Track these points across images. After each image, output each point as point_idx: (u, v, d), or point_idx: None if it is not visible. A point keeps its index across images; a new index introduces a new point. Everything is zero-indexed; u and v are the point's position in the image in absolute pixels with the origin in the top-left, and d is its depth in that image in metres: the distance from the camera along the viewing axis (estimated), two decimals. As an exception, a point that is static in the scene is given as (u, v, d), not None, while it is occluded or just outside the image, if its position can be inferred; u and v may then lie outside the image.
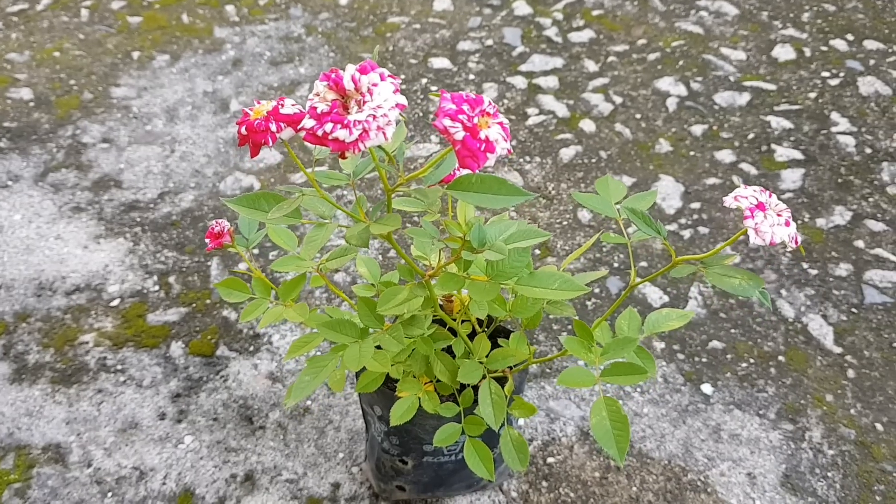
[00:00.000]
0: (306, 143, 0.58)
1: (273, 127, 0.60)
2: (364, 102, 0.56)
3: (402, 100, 0.56)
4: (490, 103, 0.58)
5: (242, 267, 1.26)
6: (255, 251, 1.29)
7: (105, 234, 1.33)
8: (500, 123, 0.58)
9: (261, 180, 1.41)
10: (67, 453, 1.04)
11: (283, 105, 0.61)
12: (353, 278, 1.24)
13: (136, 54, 1.72)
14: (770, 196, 0.62)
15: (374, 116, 0.55)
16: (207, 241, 0.75)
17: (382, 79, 0.56)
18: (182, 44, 1.75)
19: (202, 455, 1.03)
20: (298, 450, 1.03)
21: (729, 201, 0.62)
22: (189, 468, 1.01)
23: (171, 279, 1.25)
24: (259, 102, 0.62)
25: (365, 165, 0.69)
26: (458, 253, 0.69)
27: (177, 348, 1.16)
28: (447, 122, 0.56)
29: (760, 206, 0.61)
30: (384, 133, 0.55)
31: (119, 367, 1.14)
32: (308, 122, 0.56)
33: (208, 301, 1.22)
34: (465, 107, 0.57)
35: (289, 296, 0.76)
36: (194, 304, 1.21)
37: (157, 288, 1.24)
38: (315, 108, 0.56)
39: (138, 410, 1.08)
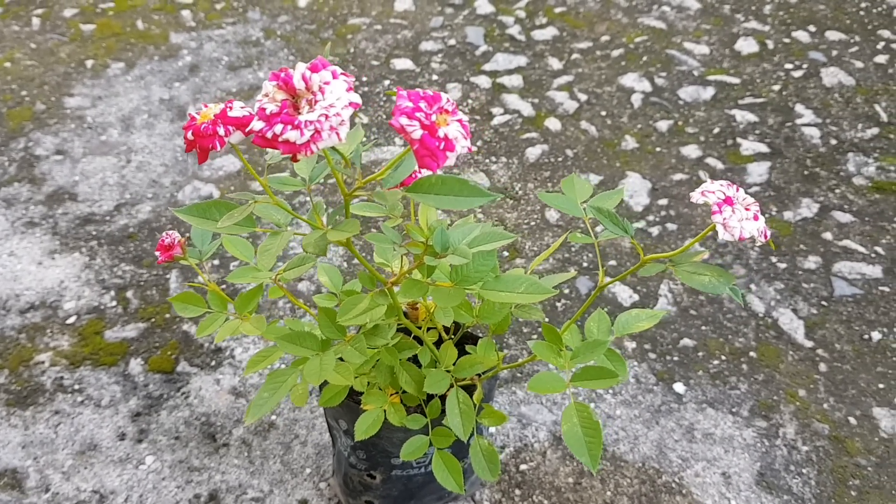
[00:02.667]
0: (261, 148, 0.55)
1: (221, 131, 0.57)
2: (316, 102, 0.53)
3: (356, 98, 0.53)
4: (448, 100, 0.56)
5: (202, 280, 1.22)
6: (216, 262, 1.25)
7: (60, 249, 1.29)
8: (460, 121, 0.56)
9: (220, 189, 1.38)
10: (24, 478, 0.99)
11: (231, 107, 0.58)
12: (317, 287, 1.21)
13: (89, 63, 1.67)
14: (738, 190, 0.61)
15: (327, 116, 0.52)
16: (157, 253, 0.72)
17: (335, 76, 0.54)
18: (137, 51, 1.70)
19: (164, 475, 0.99)
20: (264, 467, 1.00)
21: (696, 197, 0.60)
22: (151, 490, 0.98)
23: (129, 294, 1.21)
24: (207, 106, 0.59)
25: (322, 170, 0.66)
26: (420, 258, 0.66)
27: (136, 365, 1.12)
28: (404, 120, 0.54)
29: (728, 201, 0.59)
30: (338, 133, 0.52)
31: (76, 386, 1.09)
32: (257, 124, 0.53)
33: (168, 315, 1.18)
34: (423, 104, 0.54)
35: (245, 308, 0.73)
36: (153, 319, 1.17)
37: (114, 303, 1.20)
38: (264, 108, 0.53)
39: (97, 431, 1.04)
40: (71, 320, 1.18)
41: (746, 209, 0.59)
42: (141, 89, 1.60)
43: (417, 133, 0.53)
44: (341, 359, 0.72)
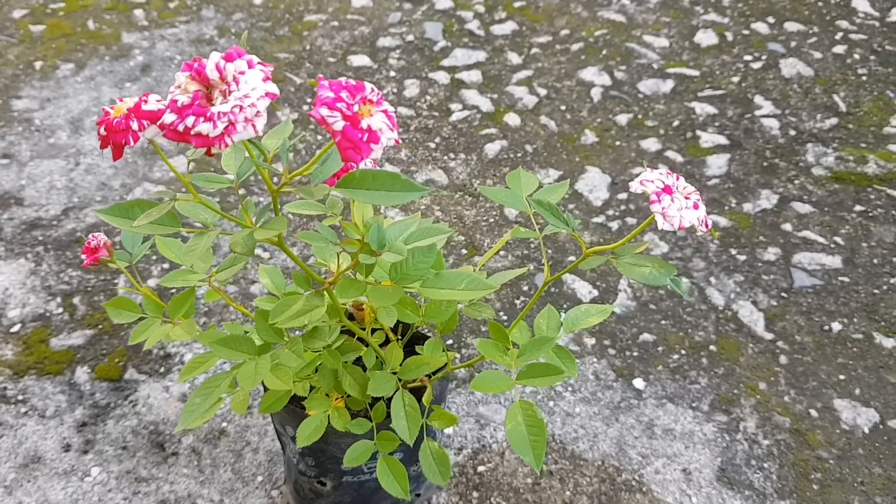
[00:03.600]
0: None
1: (135, 125, 0.54)
2: (230, 93, 0.50)
3: (273, 88, 0.50)
4: (373, 90, 0.53)
5: (151, 284, 1.19)
6: (165, 265, 1.21)
7: (5, 255, 1.24)
8: (385, 111, 0.53)
9: (171, 190, 1.34)
10: (-39, 494, 0.95)
11: (146, 101, 0.55)
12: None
13: (38, 64, 1.63)
14: (678, 179, 0.59)
15: (241, 107, 0.49)
16: (83, 256, 0.69)
17: (251, 66, 0.51)
18: (88, 51, 1.66)
19: (110, 487, 0.96)
20: (214, 475, 0.97)
21: (635, 186, 0.58)
22: (96, 502, 0.94)
23: (76, 300, 1.17)
24: (121, 100, 0.56)
25: (248, 167, 0.63)
26: (356, 256, 0.64)
27: (82, 374, 1.08)
28: (324, 111, 0.51)
29: (667, 190, 0.57)
30: (253, 125, 0.50)
31: (20, 397, 1.06)
32: (168, 117, 0.50)
33: (115, 322, 1.14)
34: (344, 94, 0.52)
35: (178, 312, 0.70)
36: (100, 326, 1.14)
37: (60, 310, 1.16)
38: (175, 101, 0.50)
39: (41, 443, 1.00)
40: (15, 328, 1.14)
41: (686, 198, 0.57)
42: (91, 90, 1.56)
43: (339, 125, 0.51)
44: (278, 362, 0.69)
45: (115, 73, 1.60)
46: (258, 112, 0.50)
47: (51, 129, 1.48)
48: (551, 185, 0.72)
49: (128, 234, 0.73)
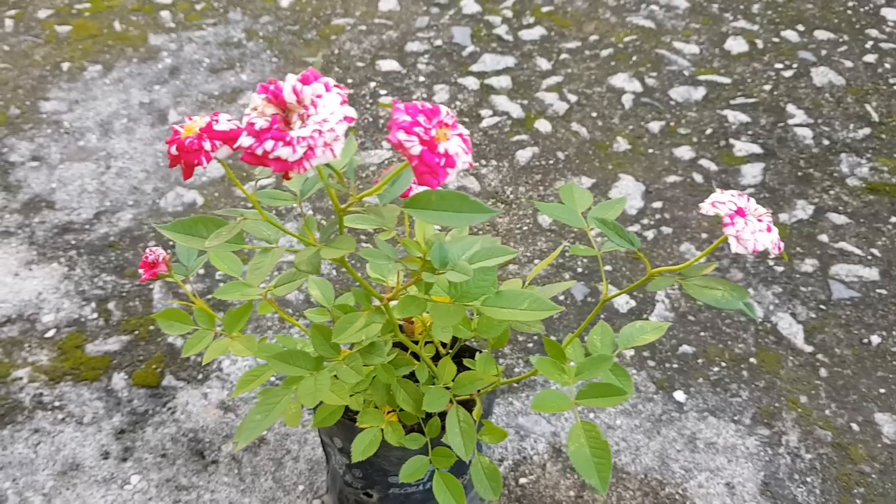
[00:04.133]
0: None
1: (207, 146, 0.54)
2: (308, 116, 0.50)
3: (351, 112, 0.50)
4: (448, 113, 0.53)
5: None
6: (201, 271, 1.21)
7: (37, 259, 1.24)
8: (461, 135, 0.53)
9: (204, 195, 1.34)
10: (3, 501, 0.95)
11: (217, 121, 0.55)
12: (305, 296, 1.18)
13: (65, 65, 1.63)
14: (749, 200, 0.58)
15: (320, 132, 0.49)
16: (141, 271, 0.69)
17: (328, 89, 0.50)
18: (115, 53, 1.66)
19: (150, 496, 0.96)
20: (255, 484, 0.97)
21: (706, 208, 0.58)
22: (136, 511, 0.94)
23: (111, 305, 1.17)
24: (191, 118, 0.56)
25: (313, 183, 0.63)
26: (417, 274, 0.64)
27: (119, 380, 1.08)
28: (402, 135, 0.51)
29: (740, 212, 0.57)
30: (332, 150, 0.49)
31: (57, 403, 1.06)
32: (245, 140, 0.50)
33: (151, 327, 1.14)
34: (421, 118, 0.51)
35: (235, 327, 0.70)
36: (137, 332, 1.14)
37: (95, 315, 1.16)
38: (253, 123, 0.50)
39: (79, 450, 1.00)
40: (50, 334, 1.14)
41: (759, 220, 0.57)
42: (120, 93, 1.55)
43: (416, 149, 0.50)
44: (336, 376, 0.69)
45: (144, 75, 1.60)
46: (337, 136, 0.49)
47: (80, 131, 1.48)
48: (608, 201, 0.72)
49: (183, 248, 0.72)
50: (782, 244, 0.58)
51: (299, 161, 0.49)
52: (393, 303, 0.69)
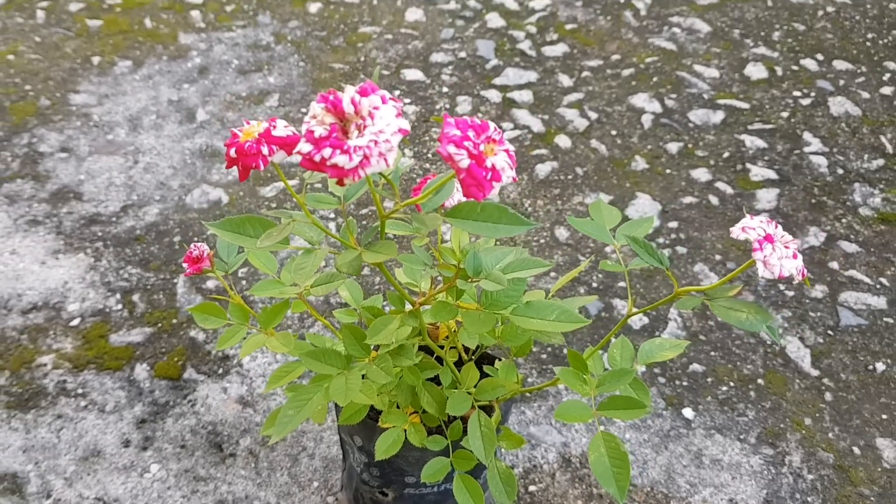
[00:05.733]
0: (282, 165, 0.55)
1: (265, 150, 0.56)
2: (365, 127, 0.52)
3: (405, 124, 0.53)
4: (496, 129, 0.56)
5: (210, 285, 1.21)
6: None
7: (64, 249, 1.27)
8: (507, 151, 0.55)
9: (229, 193, 1.37)
10: (25, 483, 0.98)
11: (275, 126, 0.57)
12: (326, 297, 1.21)
13: (96, 59, 1.66)
14: (776, 227, 0.61)
15: (376, 142, 0.52)
16: (185, 265, 0.71)
17: (384, 101, 0.53)
18: (145, 49, 1.69)
19: (169, 485, 0.98)
20: (271, 478, 0.99)
21: (736, 232, 0.60)
22: (156, 499, 0.97)
23: (135, 297, 1.20)
24: (249, 123, 0.58)
25: (356, 188, 0.65)
26: (451, 281, 0.66)
27: (141, 371, 1.11)
28: (452, 148, 0.53)
29: (769, 238, 0.59)
30: (386, 159, 0.52)
31: (80, 390, 1.08)
32: (304, 147, 0.53)
33: (174, 321, 1.17)
34: (471, 133, 0.54)
35: (271, 323, 0.72)
36: (160, 324, 1.16)
37: (119, 307, 1.19)
38: (312, 131, 0.53)
39: (101, 437, 1.03)
40: (75, 322, 1.17)
41: (786, 247, 0.59)
42: (149, 89, 1.58)
43: (465, 162, 0.53)
44: (364, 377, 0.71)
45: (173, 73, 1.63)
46: (392, 147, 0.52)
47: (109, 125, 1.50)
48: (636, 220, 0.74)
49: (224, 245, 0.75)
50: (806, 270, 0.60)
51: (355, 169, 0.52)
52: (423, 308, 0.72)
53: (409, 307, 0.71)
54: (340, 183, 0.53)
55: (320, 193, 0.65)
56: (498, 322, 0.80)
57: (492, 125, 0.55)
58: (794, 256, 0.59)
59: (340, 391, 0.68)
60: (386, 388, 0.75)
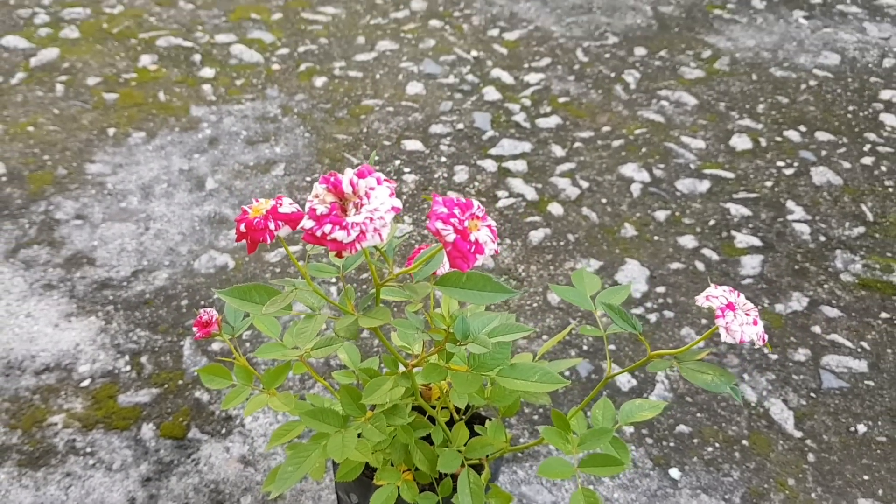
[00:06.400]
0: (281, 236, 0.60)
1: (272, 225, 0.62)
2: (361, 205, 0.58)
3: (398, 203, 0.59)
4: (479, 206, 0.62)
5: (215, 348, 1.26)
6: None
7: (77, 312, 1.33)
8: (489, 226, 0.61)
9: (235, 259, 1.43)
10: (32, 539, 1.01)
11: (281, 204, 0.63)
12: (326, 359, 1.25)
13: (111, 131, 1.74)
14: (739, 296, 0.66)
15: (372, 219, 0.58)
16: (195, 329, 0.77)
17: (379, 182, 0.59)
18: (158, 121, 1.77)
19: (172, 541, 1.02)
20: (271, 535, 1.02)
21: (701, 301, 0.65)
22: (159, 555, 1.00)
23: (143, 359, 1.25)
24: (258, 200, 0.64)
25: (354, 259, 0.71)
26: (441, 344, 0.71)
27: (148, 430, 1.15)
28: (439, 224, 0.59)
29: (730, 306, 0.64)
30: (380, 234, 0.58)
31: (88, 449, 1.12)
32: (307, 223, 0.59)
33: (180, 382, 1.21)
34: (457, 210, 0.60)
35: (273, 384, 0.77)
36: (166, 385, 1.21)
37: (128, 368, 1.24)
38: (314, 209, 0.59)
39: (107, 495, 1.07)
40: (85, 383, 1.21)
41: (747, 314, 0.65)
42: (161, 159, 1.66)
43: (451, 237, 0.59)
44: (360, 436, 0.76)
45: (184, 143, 1.70)
46: (385, 223, 0.58)
47: (122, 193, 1.58)
48: (615, 287, 0.80)
49: (231, 310, 0.80)
50: (766, 336, 0.65)
51: (352, 243, 0.57)
52: (416, 369, 0.77)
53: (402, 369, 0.76)
54: (339, 255, 0.59)
55: (321, 263, 0.71)
56: (486, 383, 0.85)
57: (476, 203, 0.61)
58: (755, 323, 0.65)
59: (337, 448, 0.72)
60: (380, 446, 0.79)
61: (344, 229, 0.57)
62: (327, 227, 0.58)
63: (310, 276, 0.69)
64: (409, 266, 0.67)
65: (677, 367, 0.69)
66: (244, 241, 0.63)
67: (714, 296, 0.65)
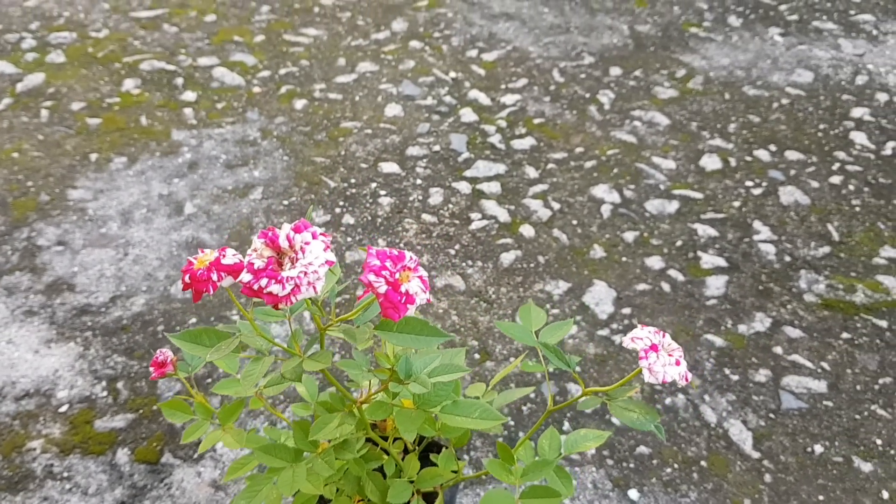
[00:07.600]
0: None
1: (214, 276, 0.65)
2: (297, 259, 0.62)
3: (332, 257, 0.62)
4: (411, 258, 0.65)
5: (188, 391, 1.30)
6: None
7: (56, 338, 1.36)
8: (420, 277, 0.65)
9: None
10: (8, 565, 1.05)
11: (224, 255, 0.67)
12: (293, 389, 1.29)
13: (94, 156, 1.78)
14: (664, 336, 0.69)
15: (306, 273, 0.61)
16: (151, 369, 0.80)
17: (314, 237, 0.63)
18: (140, 146, 1.81)
19: (143, 566, 1.05)
20: (239, 559, 1.05)
21: (627, 342, 0.69)
22: (130, 579, 1.03)
23: (120, 385, 1.28)
24: (203, 251, 0.68)
25: (299, 305, 0.74)
26: (385, 384, 0.75)
27: (123, 455, 1.18)
28: (371, 277, 0.63)
29: (654, 348, 0.68)
30: (314, 287, 0.61)
31: (65, 474, 1.16)
32: (245, 277, 0.62)
33: (155, 407, 1.25)
34: (388, 263, 0.63)
35: (228, 420, 0.81)
36: (141, 410, 1.24)
37: (105, 394, 1.27)
38: (252, 263, 0.62)
39: (81, 520, 1.10)
40: (63, 409, 1.25)
41: (669, 355, 0.68)
42: (141, 184, 1.70)
43: (383, 289, 0.62)
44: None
45: (165, 168, 1.74)
46: (319, 277, 0.61)
47: (103, 219, 1.61)
48: (556, 323, 0.83)
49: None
50: (689, 375, 0.69)
51: (287, 296, 0.61)
52: (366, 405, 0.80)
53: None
54: (276, 307, 0.62)
55: (269, 307, 0.74)
56: (436, 416, 0.88)
57: (408, 255, 0.65)
58: (678, 363, 0.68)
59: (287, 483, 0.76)
60: (332, 479, 0.83)
61: (279, 283, 0.61)
62: (263, 282, 0.61)
63: (259, 320, 0.72)
64: (353, 312, 0.70)
65: (613, 414, 0.72)
66: (190, 290, 0.67)
67: (639, 337, 0.68)
